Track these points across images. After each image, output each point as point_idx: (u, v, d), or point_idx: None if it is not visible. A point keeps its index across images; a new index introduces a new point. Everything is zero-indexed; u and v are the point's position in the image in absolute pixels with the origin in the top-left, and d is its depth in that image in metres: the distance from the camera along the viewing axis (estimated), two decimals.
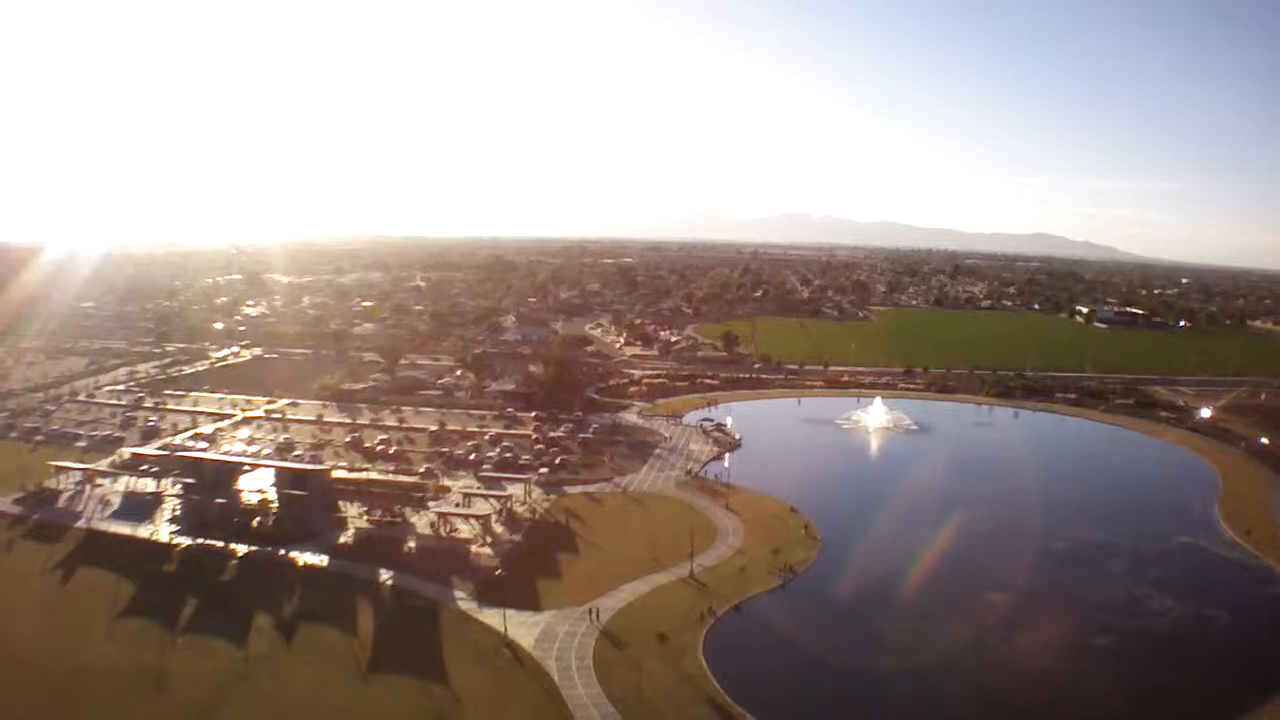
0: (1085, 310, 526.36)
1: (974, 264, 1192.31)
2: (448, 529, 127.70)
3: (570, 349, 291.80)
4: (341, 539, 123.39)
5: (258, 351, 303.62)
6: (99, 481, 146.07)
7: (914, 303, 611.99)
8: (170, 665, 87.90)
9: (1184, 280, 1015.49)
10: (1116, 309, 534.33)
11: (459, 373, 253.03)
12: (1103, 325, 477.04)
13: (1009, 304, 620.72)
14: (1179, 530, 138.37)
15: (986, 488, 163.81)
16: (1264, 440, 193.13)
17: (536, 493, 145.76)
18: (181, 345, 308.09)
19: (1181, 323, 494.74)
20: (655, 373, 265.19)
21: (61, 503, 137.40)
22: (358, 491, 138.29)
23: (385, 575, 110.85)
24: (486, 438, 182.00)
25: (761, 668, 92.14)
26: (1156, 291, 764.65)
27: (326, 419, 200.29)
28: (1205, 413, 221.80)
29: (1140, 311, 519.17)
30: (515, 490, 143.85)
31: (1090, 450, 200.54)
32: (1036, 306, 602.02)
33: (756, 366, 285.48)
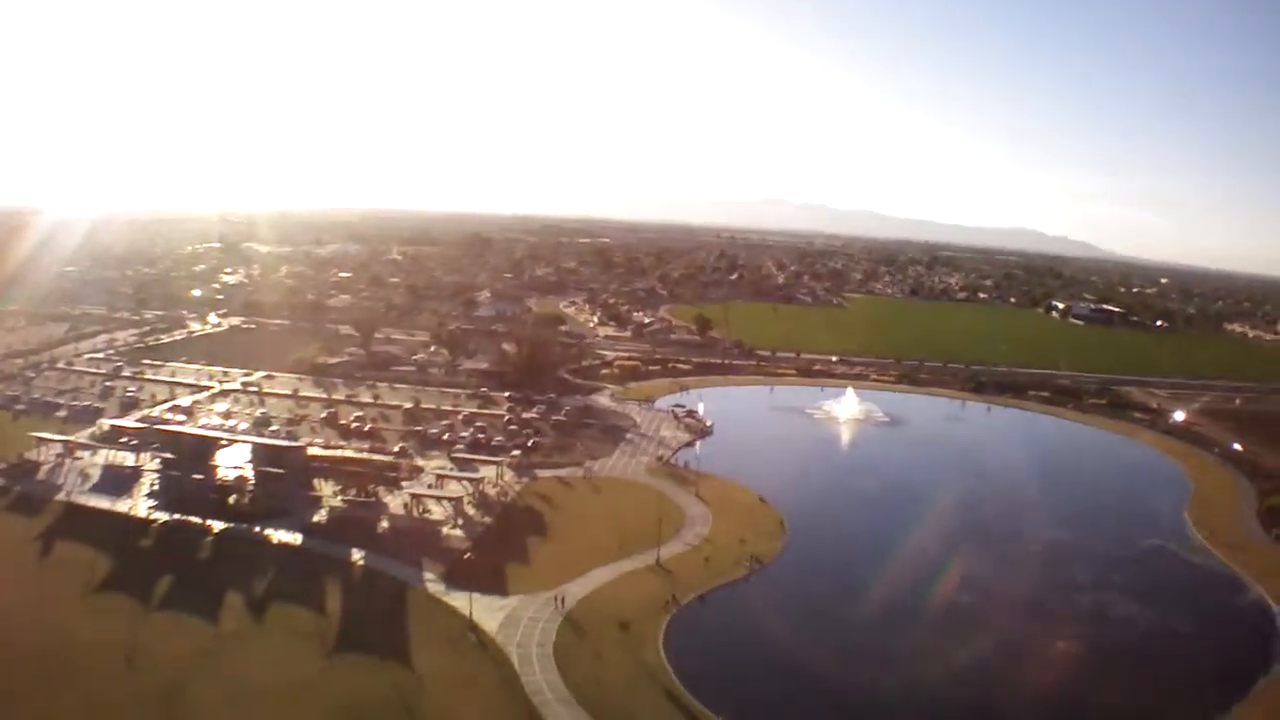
0: (1062, 306, 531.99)
1: (951, 255, 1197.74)
2: (420, 510, 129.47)
3: (545, 328, 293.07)
4: (316, 517, 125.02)
5: (235, 321, 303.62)
6: (79, 454, 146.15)
7: (889, 291, 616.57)
8: (141, 640, 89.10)
9: (1163, 280, 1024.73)
10: (1093, 306, 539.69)
11: (433, 349, 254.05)
12: (1079, 321, 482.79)
13: (985, 296, 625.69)
14: (1147, 533, 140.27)
15: (955, 484, 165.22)
16: (1237, 445, 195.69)
17: (509, 475, 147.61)
18: (160, 312, 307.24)
19: (1159, 322, 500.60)
20: (628, 355, 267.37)
21: (42, 474, 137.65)
22: (333, 470, 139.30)
23: (357, 555, 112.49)
24: (460, 417, 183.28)
25: (719, 658, 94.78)
26: (1135, 290, 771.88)
27: (302, 393, 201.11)
28: (1179, 416, 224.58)
29: (1117, 309, 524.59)
30: (488, 472, 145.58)
31: (1062, 450, 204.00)
32: (1013, 300, 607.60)
33: (730, 351, 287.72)
